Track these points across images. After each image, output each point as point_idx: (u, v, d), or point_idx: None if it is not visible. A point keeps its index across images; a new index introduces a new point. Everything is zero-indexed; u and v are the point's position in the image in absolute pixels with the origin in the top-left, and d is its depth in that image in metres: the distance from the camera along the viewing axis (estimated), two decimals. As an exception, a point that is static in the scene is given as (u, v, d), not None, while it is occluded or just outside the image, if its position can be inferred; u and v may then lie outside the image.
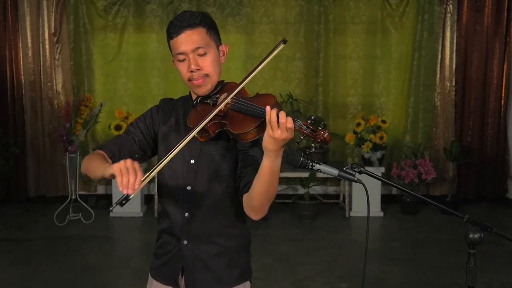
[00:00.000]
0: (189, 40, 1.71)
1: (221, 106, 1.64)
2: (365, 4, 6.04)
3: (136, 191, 1.52)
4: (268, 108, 1.47)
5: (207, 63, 1.73)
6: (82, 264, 4.39)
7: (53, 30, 5.96)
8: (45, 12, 5.93)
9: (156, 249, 1.94)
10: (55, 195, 6.09)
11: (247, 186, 1.67)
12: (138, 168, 1.53)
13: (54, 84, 6.03)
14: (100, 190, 6.23)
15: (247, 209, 1.70)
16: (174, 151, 1.62)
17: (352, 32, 6.08)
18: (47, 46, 5.98)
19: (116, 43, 6.06)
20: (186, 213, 1.81)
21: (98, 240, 4.99)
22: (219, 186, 1.80)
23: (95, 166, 1.73)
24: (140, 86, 6.08)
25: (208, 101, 1.75)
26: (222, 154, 1.78)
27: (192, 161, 1.80)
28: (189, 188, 1.80)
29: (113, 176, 1.58)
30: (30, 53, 5.96)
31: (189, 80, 1.75)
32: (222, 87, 1.79)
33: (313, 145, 1.50)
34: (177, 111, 1.88)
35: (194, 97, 1.85)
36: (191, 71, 1.72)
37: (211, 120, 1.64)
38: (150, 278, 1.95)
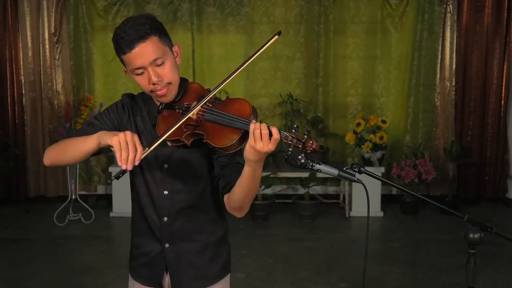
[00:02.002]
0: (144, 53, 1.63)
1: (191, 114, 1.61)
2: (365, 4, 6.04)
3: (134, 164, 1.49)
4: (253, 121, 1.47)
5: (167, 71, 1.67)
6: (82, 264, 4.39)
7: (53, 30, 5.96)
8: (45, 12, 5.93)
9: (132, 248, 1.91)
10: (55, 195, 6.09)
11: (228, 186, 1.67)
12: (138, 143, 1.50)
13: (54, 84, 6.03)
14: (100, 190, 6.23)
15: (229, 209, 1.71)
16: (172, 129, 1.59)
17: (352, 32, 6.08)
18: (47, 46, 5.98)
19: (116, 43, 6.04)
20: (165, 218, 1.80)
21: (98, 240, 4.99)
22: (197, 187, 1.79)
23: (76, 143, 1.66)
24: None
25: (176, 108, 1.70)
26: (195, 156, 1.77)
27: (166, 166, 1.78)
28: (166, 192, 1.79)
29: (106, 146, 1.53)
30: (30, 53, 5.96)
31: (152, 91, 1.70)
32: (185, 89, 1.75)
33: (302, 155, 1.48)
34: (140, 109, 1.83)
35: (157, 102, 1.79)
36: (153, 84, 1.67)
37: (185, 130, 1.61)
38: (131, 279, 1.93)
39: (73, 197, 5.55)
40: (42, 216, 5.69)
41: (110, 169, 5.72)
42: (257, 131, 1.45)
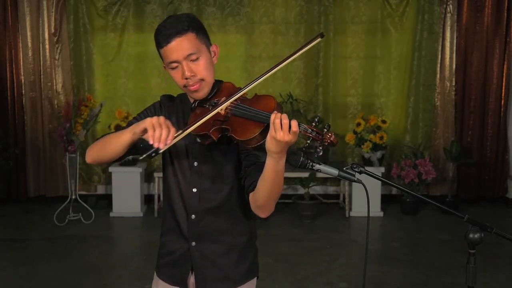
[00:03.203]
0: (180, 47, 1.69)
1: (219, 109, 1.64)
2: (365, 4, 6.04)
3: (167, 147, 1.52)
4: (273, 115, 1.49)
5: (201, 68, 1.73)
6: (82, 264, 4.39)
7: (53, 30, 5.96)
8: (45, 12, 5.93)
9: (160, 248, 1.94)
10: (55, 195, 6.08)
11: (252, 185, 1.68)
12: (171, 125, 1.55)
13: (54, 84, 6.03)
14: (100, 190, 6.23)
15: (254, 208, 1.72)
16: (203, 119, 1.63)
17: (352, 32, 6.07)
18: (47, 46, 5.98)
19: (116, 43, 6.05)
20: (193, 215, 1.82)
21: (98, 240, 4.99)
22: (225, 186, 1.81)
23: (115, 136, 1.70)
24: (140, 86, 6.08)
25: (207, 106, 1.73)
26: (224, 154, 1.79)
27: (195, 163, 1.80)
28: (194, 190, 1.81)
29: (144, 133, 1.57)
30: (30, 53, 5.96)
31: (185, 86, 1.74)
32: (218, 88, 1.78)
33: (320, 148, 1.51)
34: (177, 110, 1.88)
35: (191, 100, 1.84)
36: (186, 78, 1.71)
37: (213, 125, 1.64)
38: (155, 277, 1.95)
39: (73, 197, 5.55)
40: (42, 216, 5.69)
41: (110, 169, 5.72)
42: (277, 121, 1.46)
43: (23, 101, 6.02)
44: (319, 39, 1.66)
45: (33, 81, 5.99)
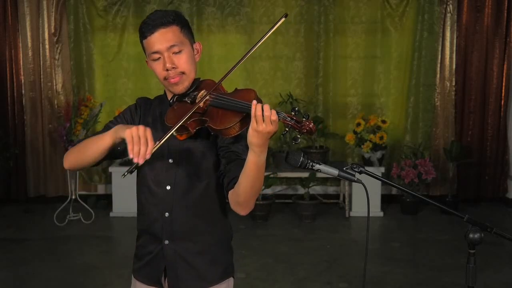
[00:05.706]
0: (163, 38, 1.71)
1: (201, 103, 1.63)
2: (365, 4, 6.04)
3: (146, 159, 1.53)
4: (254, 102, 1.48)
5: (183, 61, 1.73)
6: (82, 264, 4.40)
7: (53, 30, 5.96)
8: (45, 12, 5.93)
9: (137, 250, 1.92)
10: (55, 195, 6.08)
11: (233, 182, 1.66)
12: (150, 137, 1.53)
13: (54, 84, 6.03)
14: (100, 190, 6.23)
15: (233, 205, 1.69)
16: (173, 129, 1.62)
17: (352, 32, 6.07)
18: (47, 46, 5.98)
19: (116, 43, 6.05)
20: (167, 213, 1.80)
21: (98, 240, 4.99)
22: (200, 184, 1.79)
23: (94, 141, 1.70)
24: (140, 86, 6.08)
25: (186, 99, 1.73)
26: (201, 151, 1.77)
27: (171, 160, 1.79)
28: (168, 187, 1.79)
29: (120, 140, 1.57)
30: (30, 53, 5.96)
31: (165, 79, 1.74)
32: (198, 84, 1.78)
33: (299, 136, 1.53)
34: (154, 110, 1.86)
35: (169, 96, 1.83)
36: (167, 70, 1.71)
37: (190, 117, 1.64)
38: (133, 279, 1.94)
39: (73, 197, 5.55)
40: (42, 216, 5.69)
41: (110, 169, 5.71)
42: (259, 113, 1.46)
43: (23, 101, 6.02)
44: (283, 19, 1.69)
45: (33, 81, 5.99)
